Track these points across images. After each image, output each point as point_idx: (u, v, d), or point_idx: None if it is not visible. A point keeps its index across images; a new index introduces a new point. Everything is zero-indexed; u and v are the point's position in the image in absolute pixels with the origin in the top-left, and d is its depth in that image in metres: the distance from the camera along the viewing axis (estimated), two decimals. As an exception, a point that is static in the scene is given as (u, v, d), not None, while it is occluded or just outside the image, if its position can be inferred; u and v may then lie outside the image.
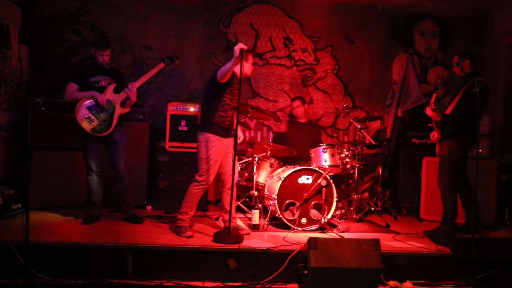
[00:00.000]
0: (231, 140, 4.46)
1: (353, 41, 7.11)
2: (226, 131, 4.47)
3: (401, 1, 6.90)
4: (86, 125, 4.69)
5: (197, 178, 4.45)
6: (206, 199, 5.88)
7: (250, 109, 5.17)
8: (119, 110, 4.81)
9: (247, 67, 4.47)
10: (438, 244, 4.29)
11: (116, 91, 4.82)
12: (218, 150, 4.42)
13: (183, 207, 4.48)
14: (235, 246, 3.95)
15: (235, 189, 4.73)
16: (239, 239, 4.11)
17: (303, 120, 6.29)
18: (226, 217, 4.56)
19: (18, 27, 5.65)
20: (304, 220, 4.83)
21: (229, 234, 4.11)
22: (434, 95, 4.88)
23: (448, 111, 4.82)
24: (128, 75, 5.98)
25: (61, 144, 5.58)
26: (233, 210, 4.66)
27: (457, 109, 4.74)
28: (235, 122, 4.38)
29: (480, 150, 5.75)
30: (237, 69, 4.20)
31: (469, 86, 4.60)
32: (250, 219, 4.95)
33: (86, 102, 4.72)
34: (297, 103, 6.27)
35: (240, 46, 4.09)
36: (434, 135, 4.95)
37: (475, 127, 4.48)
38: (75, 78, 4.84)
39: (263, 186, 5.37)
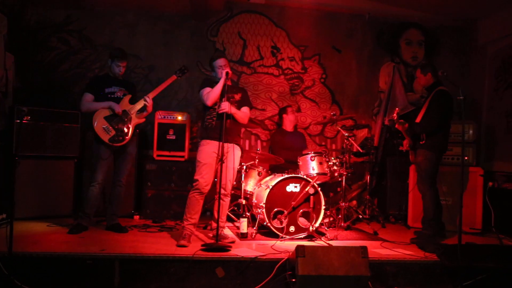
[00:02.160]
0: (227, 147, 4.56)
1: (340, 50, 7.17)
2: (215, 133, 4.51)
3: (387, 10, 6.97)
4: (104, 135, 4.72)
5: (193, 183, 4.54)
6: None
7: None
8: (135, 121, 4.88)
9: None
10: (426, 251, 4.32)
11: (132, 101, 4.90)
12: (207, 153, 4.52)
13: (184, 214, 4.55)
14: (223, 255, 3.93)
15: (228, 199, 4.79)
16: (227, 246, 4.10)
17: (290, 129, 6.30)
18: (214, 225, 4.59)
19: (4, 35, 5.61)
20: (292, 228, 4.82)
21: (217, 242, 4.10)
22: (397, 109, 5.08)
23: (418, 119, 5.06)
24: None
25: (46, 153, 5.52)
26: (222, 219, 4.68)
27: (425, 117, 4.98)
28: (230, 126, 4.49)
29: (465, 158, 5.82)
30: (218, 73, 4.62)
31: (433, 94, 4.98)
32: (238, 227, 4.94)
33: (103, 112, 4.75)
34: (291, 109, 6.31)
35: (226, 70, 4.50)
36: (406, 144, 5.21)
37: (446, 134, 4.99)
38: (91, 88, 4.89)
39: (251, 195, 5.36)
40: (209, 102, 4.51)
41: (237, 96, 4.73)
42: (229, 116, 4.46)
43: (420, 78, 5.20)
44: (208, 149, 4.53)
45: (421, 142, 4.98)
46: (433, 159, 4.92)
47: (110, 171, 4.93)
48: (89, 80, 5.66)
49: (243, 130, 6.87)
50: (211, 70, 4.81)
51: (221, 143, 4.36)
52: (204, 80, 4.80)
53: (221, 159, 4.31)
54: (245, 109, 4.77)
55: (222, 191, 4.51)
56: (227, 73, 4.47)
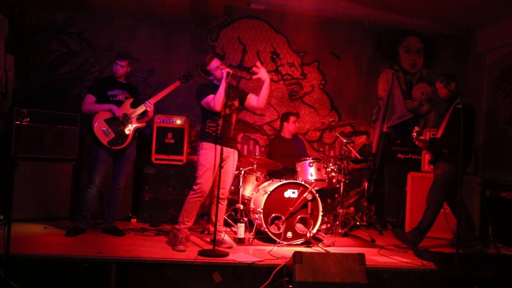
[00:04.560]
0: (229, 152, 4.57)
1: (339, 57, 7.19)
2: (220, 139, 4.50)
3: (387, 18, 7.00)
4: (103, 137, 4.72)
5: (194, 186, 4.51)
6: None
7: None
8: (135, 125, 4.89)
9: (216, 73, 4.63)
10: (423, 259, 4.31)
11: (133, 105, 4.89)
12: (210, 157, 4.48)
13: (181, 217, 4.50)
14: (220, 260, 3.93)
15: (225, 202, 4.78)
16: (224, 252, 4.09)
17: (289, 136, 6.29)
18: (212, 229, 4.58)
19: (4, 37, 5.62)
20: (289, 234, 4.82)
21: (214, 247, 4.09)
22: (416, 128, 4.90)
23: (439, 134, 4.94)
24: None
25: (45, 155, 5.52)
26: (220, 222, 4.67)
27: (447, 131, 4.86)
28: (232, 132, 4.56)
29: (464, 166, 5.83)
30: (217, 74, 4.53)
31: (453, 108, 4.78)
32: (235, 232, 4.93)
33: (104, 115, 4.76)
34: (293, 118, 6.25)
35: (227, 70, 4.43)
36: (429, 158, 5.10)
37: (470, 148, 4.84)
38: (93, 90, 4.90)
39: (249, 200, 5.36)
40: (218, 107, 4.41)
41: (236, 103, 4.68)
42: (231, 120, 4.51)
43: (440, 89, 4.97)
44: (212, 154, 4.47)
45: (443, 151, 4.83)
46: (452, 174, 4.76)
47: (108, 173, 4.93)
48: (92, 81, 5.67)
49: (241, 135, 6.89)
50: (206, 75, 4.70)
51: (223, 147, 4.40)
52: (202, 88, 4.64)
53: (220, 164, 4.29)
54: (251, 95, 4.78)
55: (221, 195, 4.50)
56: (228, 73, 4.39)
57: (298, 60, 7.13)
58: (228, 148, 4.58)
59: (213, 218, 4.58)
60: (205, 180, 4.47)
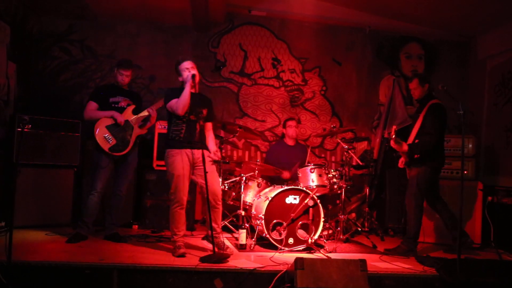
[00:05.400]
0: (198, 153, 4.38)
1: (340, 63, 7.21)
2: (185, 143, 4.43)
3: (387, 24, 7.03)
4: (104, 144, 4.73)
5: (170, 197, 4.45)
6: (193, 219, 5.86)
7: (238, 129, 5.18)
8: (136, 131, 4.89)
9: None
10: (425, 265, 4.30)
11: (135, 112, 4.91)
12: (178, 163, 4.39)
13: (171, 228, 4.46)
14: (222, 266, 3.92)
15: (220, 205, 4.65)
16: (225, 257, 4.09)
17: (291, 143, 6.30)
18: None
19: (6, 44, 5.64)
20: (291, 240, 4.81)
21: (215, 252, 4.09)
22: (394, 126, 4.85)
23: (412, 135, 4.94)
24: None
25: (47, 161, 5.53)
26: (218, 226, 4.65)
27: (419, 134, 4.87)
28: (197, 135, 4.44)
29: (465, 172, 5.82)
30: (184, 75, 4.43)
31: (427, 109, 4.84)
32: (237, 239, 4.93)
33: (106, 121, 4.77)
34: (293, 123, 6.27)
35: (192, 72, 4.38)
36: (402, 162, 5.06)
37: (442, 149, 4.89)
38: (95, 97, 4.92)
39: (250, 206, 5.35)
40: (180, 110, 4.33)
41: (205, 112, 4.55)
42: (195, 126, 4.45)
43: (416, 88, 5.00)
44: (179, 159, 4.39)
45: (415, 156, 4.81)
46: (427, 175, 4.83)
47: (110, 180, 4.93)
48: (95, 88, 5.68)
49: (243, 141, 6.90)
50: (178, 75, 4.53)
51: (193, 150, 4.40)
52: (169, 91, 4.54)
53: (204, 170, 4.23)
54: (209, 125, 4.70)
55: (214, 197, 4.48)
56: (193, 76, 4.34)
57: (299, 66, 7.15)
58: (196, 150, 4.43)
59: (213, 224, 4.55)
60: (178, 189, 4.38)
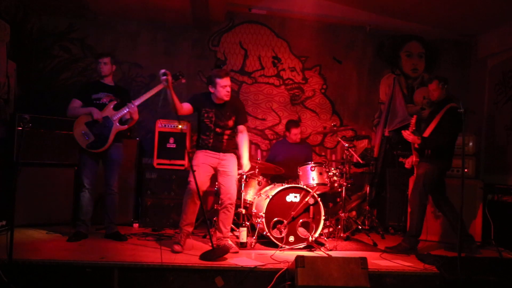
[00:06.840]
0: (226, 157, 4.62)
1: (340, 61, 7.21)
2: (213, 150, 4.62)
3: (388, 23, 7.02)
4: (82, 141, 4.72)
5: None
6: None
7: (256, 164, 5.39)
8: (116, 127, 4.83)
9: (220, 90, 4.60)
10: (425, 263, 4.31)
11: (116, 108, 4.87)
12: (199, 158, 4.58)
13: (180, 216, 4.60)
14: (223, 264, 3.93)
15: (233, 209, 4.73)
16: (224, 251, 4.13)
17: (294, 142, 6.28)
18: (218, 235, 4.63)
19: (6, 43, 5.64)
20: (291, 238, 4.82)
21: (215, 250, 4.11)
22: (415, 116, 4.91)
23: (426, 134, 4.95)
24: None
25: (47, 160, 5.53)
26: (227, 229, 4.70)
27: (434, 133, 4.89)
28: (224, 144, 4.63)
29: (465, 170, 5.82)
30: (217, 93, 4.59)
31: (446, 111, 4.85)
32: (237, 237, 4.93)
33: (84, 118, 4.76)
34: (297, 130, 6.16)
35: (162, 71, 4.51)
36: (413, 160, 5.02)
37: (452, 152, 4.91)
38: (79, 94, 4.91)
39: (251, 204, 5.36)
40: (174, 113, 4.59)
41: (231, 123, 4.69)
42: (222, 138, 4.64)
43: (435, 90, 5.00)
44: (202, 158, 4.61)
45: (426, 153, 4.87)
46: (434, 174, 4.86)
47: (97, 176, 4.93)
48: (79, 86, 5.67)
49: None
50: (209, 84, 4.67)
51: (220, 153, 4.57)
52: (194, 95, 4.88)
53: (191, 168, 4.36)
54: (241, 128, 4.77)
55: (228, 200, 4.58)
56: (166, 80, 4.46)
57: (300, 65, 7.15)
58: (223, 153, 4.64)
59: (221, 225, 4.64)
60: (190, 180, 4.47)
